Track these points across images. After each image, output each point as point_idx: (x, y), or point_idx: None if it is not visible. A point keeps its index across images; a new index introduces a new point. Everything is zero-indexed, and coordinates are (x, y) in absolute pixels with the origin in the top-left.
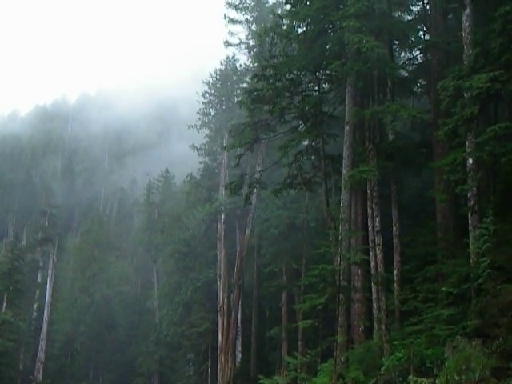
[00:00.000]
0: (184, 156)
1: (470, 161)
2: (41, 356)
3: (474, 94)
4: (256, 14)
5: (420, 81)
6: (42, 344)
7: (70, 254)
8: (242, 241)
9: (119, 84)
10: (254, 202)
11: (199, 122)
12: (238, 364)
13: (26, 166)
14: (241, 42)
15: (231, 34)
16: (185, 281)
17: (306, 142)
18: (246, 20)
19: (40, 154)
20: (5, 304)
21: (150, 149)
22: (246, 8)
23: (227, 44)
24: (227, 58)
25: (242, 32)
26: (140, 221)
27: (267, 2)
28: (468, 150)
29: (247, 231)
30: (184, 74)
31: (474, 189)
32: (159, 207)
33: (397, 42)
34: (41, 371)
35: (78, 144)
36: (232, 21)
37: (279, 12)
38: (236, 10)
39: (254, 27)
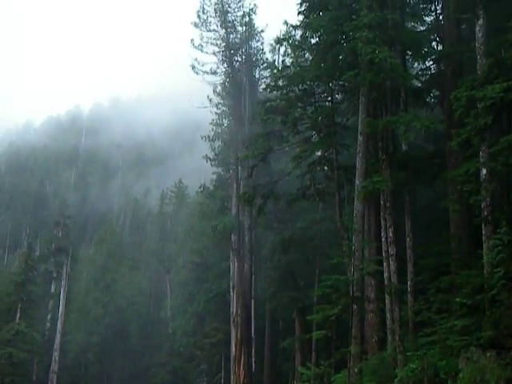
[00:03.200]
0: (197, 167)
1: (484, 171)
2: (54, 367)
3: (488, 104)
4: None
5: (433, 91)
6: (56, 355)
7: (83, 265)
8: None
9: (134, 94)
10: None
11: (212, 133)
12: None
13: (39, 176)
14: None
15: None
16: (198, 291)
17: (319, 153)
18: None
19: (54, 165)
20: (18, 315)
21: (164, 160)
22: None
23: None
24: None
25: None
26: (153, 231)
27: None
28: (481, 160)
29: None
30: (198, 84)
31: (488, 199)
32: (172, 218)
33: (410, 53)
34: (54, 382)
35: (92, 154)
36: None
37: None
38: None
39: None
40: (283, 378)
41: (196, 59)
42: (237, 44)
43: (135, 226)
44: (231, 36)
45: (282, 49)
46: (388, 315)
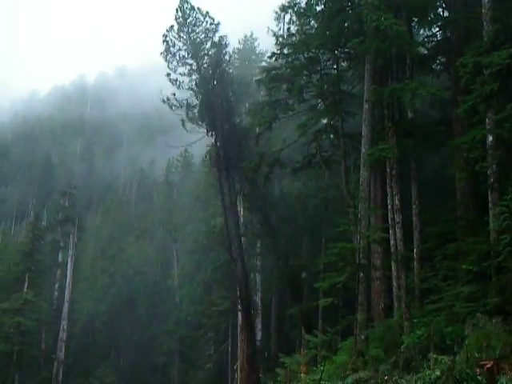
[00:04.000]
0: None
1: (490, 138)
2: (62, 335)
3: (494, 71)
4: None
5: (439, 58)
6: (64, 323)
7: (90, 234)
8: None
9: (139, 63)
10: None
11: None
12: (258, 342)
13: (45, 146)
14: None
15: None
16: (205, 260)
17: (324, 121)
18: None
19: (60, 135)
20: (26, 284)
21: (170, 129)
22: None
23: None
24: (245, 36)
25: None
26: (159, 201)
27: None
28: (488, 127)
29: None
30: None
31: (494, 166)
32: (178, 187)
33: (416, 20)
34: (63, 350)
35: (98, 124)
36: None
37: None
38: None
39: None
40: (290, 346)
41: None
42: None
43: (141, 196)
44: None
45: (287, 16)
46: (394, 282)
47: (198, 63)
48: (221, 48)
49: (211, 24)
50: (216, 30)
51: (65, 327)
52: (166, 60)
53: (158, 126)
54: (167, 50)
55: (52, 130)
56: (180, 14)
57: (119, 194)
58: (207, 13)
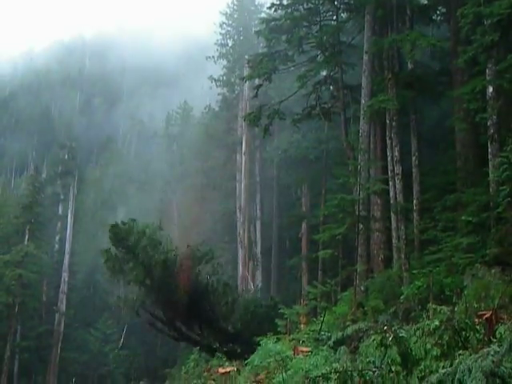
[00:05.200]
0: (202, 89)
1: (490, 89)
2: (63, 287)
3: (495, 21)
4: None
5: (439, 8)
6: (65, 275)
7: (90, 187)
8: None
9: (139, 17)
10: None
11: (217, 53)
12: (258, 294)
13: (44, 100)
14: None
15: None
16: (204, 212)
17: (324, 73)
18: None
19: (58, 88)
20: (27, 236)
21: (169, 82)
22: None
23: None
24: None
25: None
26: (159, 153)
27: None
28: (488, 77)
29: None
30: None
31: (494, 117)
32: (178, 139)
33: None
34: (64, 302)
35: (97, 78)
36: None
37: None
38: None
39: None
40: (290, 297)
41: None
42: None
43: (141, 149)
44: None
45: None
46: (394, 234)
47: None
48: None
49: None
50: None
51: (66, 279)
52: None
53: (157, 79)
54: None
55: (51, 84)
56: None
57: (119, 147)
58: None
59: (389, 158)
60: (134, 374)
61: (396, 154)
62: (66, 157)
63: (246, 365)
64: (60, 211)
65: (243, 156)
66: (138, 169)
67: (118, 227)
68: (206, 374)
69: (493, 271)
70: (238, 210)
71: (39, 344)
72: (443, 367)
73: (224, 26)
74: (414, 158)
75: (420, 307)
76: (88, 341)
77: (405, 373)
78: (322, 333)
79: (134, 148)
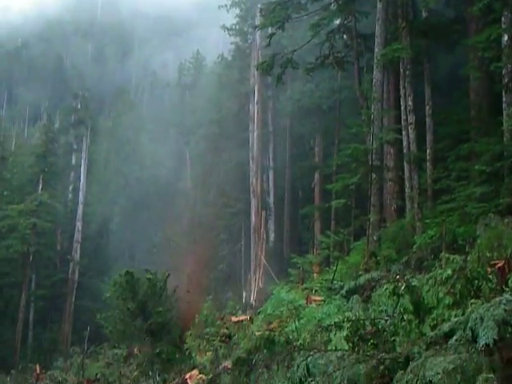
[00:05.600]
0: (215, 38)
1: (506, 37)
2: (77, 236)
3: None
4: None
5: None
6: (79, 225)
7: (102, 137)
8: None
9: None
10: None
11: (229, 2)
12: (271, 243)
13: (56, 50)
14: None
15: None
16: (217, 162)
17: (337, 21)
18: None
19: (70, 38)
20: (41, 186)
21: (182, 31)
22: None
23: None
24: None
25: None
26: (172, 103)
27: None
28: (503, 25)
29: None
30: None
31: (509, 66)
32: (191, 89)
33: None
34: (78, 251)
35: (109, 27)
36: None
37: None
38: None
39: None
40: (303, 246)
41: None
42: None
43: (153, 99)
44: None
45: None
46: (407, 183)
47: None
48: None
49: None
50: None
51: (79, 228)
52: None
53: (169, 29)
54: None
55: (63, 33)
56: None
57: (131, 97)
58: None
59: (402, 108)
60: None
61: (409, 103)
62: (79, 106)
63: (258, 313)
64: (73, 161)
65: (256, 106)
66: (151, 119)
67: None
68: (219, 322)
69: (506, 221)
70: (250, 160)
71: (54, 292)
72: (455, 316)
73: None
74: (427, 107)
75: (433, 256)
76: (102, 289)
77: (417, 321)
78: (335, 282)
79: (146, 98)
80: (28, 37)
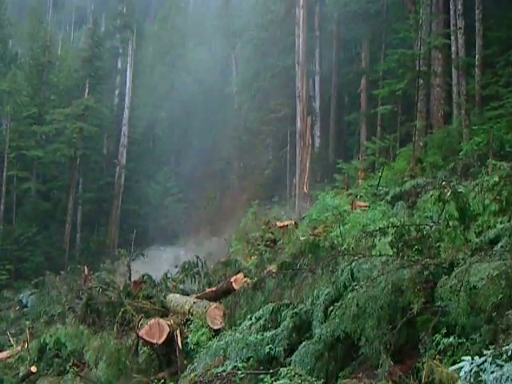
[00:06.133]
0: None
1: None
2: (124, 141)
3: None
4: None
5: None
6: (125, 129)
7: (148, 41)
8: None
9: None
10: None
11: None
12: (316, 149)
13: None
14: None
15: None
16: (263, 67)
17: None
18: None
19: None
20: (87, 90)
21: None
22: None
23: None
24: None
25: None
26: (218, 7)
27: None
28: None
29: None
30: None
31: None
32: None
33: None
34: (124, 155)
35: None
36: None
37: None
38: None
39: None
40: (348, 152)
41: None
42: None
43: (199, 2)
44: None
45: None
46: (454, 89)
47: None
48: None
49: None
50: None
51: (126, 133)
52: None
53: None
54: None
55: None
56: None
57: (177, 0)
58: None
59: (451, 12)
60: (192, 227)
61: (459, 7)
62: (125, 10)
63: (303, 218)
64: (119, 65)
65: (302, 10)
66: (197, 22)
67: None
68: (264, 226)
69: None
70: (296, 65)
71: (100, 196)
72: (501, 222)
73: None
74: (477, 12)
75: (479, 163)
76: (148, 193)
77: (462, 228)
78: (380, 188)
79: (192, 1)
80: None
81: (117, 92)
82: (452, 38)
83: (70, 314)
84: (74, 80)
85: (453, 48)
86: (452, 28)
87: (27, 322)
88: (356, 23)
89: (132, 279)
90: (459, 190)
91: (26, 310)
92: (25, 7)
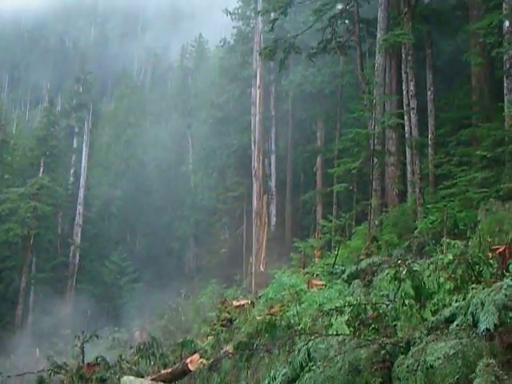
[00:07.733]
0: (217, 22)
1: (507, 23)
2: (79, 220)
3: None
4: None
5: None
6: (80, 208)
7: (104, 120)
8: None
9: None
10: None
11: None
12: (272, 227)
13: (58, 31)
14: None
15: None
16: (219, 146)
17: (340, 6)
18: None
19: (73, 19)
20: (42, 169)
21: (184, 15)
22: None
23: None
24: None
25: None
26: (174, 87)
27: None
28: (505, 11)
29: None
30: None
31: (510, 52)
32: (193, 73)
33: None
34: (79, 235)
35: (111, 9)
36: None
37: None
38: None
39: None
40: (304, 231)
41: None
42: None
43: (156, 82)
44: None
45: None
46: (408, 168)
47: None
48: None
49: None
50: None
51: (80, 212)
52: None
53: (172, 12)
54: None
55: (66, 15)
56: None
57: (133, 80)
58: None
59: (404, 92)
60: (147, 307)
61: (411, 88)
62: (81, 90)
63: (260, 297)
64: (75, 144)
65: (258, 90)
66: (153, 102)
67: None
68: (220, 306)
69: (507, 206)
70: (252, 144)
71: (54, 276)
72: (456, 301)
73: None
74: (429, 93)
75: (434, 241)
76: (103, 273)
77: (418, 306)
78: (336, 266)
79: (148, 81)
80: (30, 19)
81: (72, 171)
82: (405, 117)
83: None
84: (28, 159)
85: (406, 128)
86: (405, 108)
87: None
88: (311, 103)
89: (85, 361)
90: (414, 269)
91: None
92: None
